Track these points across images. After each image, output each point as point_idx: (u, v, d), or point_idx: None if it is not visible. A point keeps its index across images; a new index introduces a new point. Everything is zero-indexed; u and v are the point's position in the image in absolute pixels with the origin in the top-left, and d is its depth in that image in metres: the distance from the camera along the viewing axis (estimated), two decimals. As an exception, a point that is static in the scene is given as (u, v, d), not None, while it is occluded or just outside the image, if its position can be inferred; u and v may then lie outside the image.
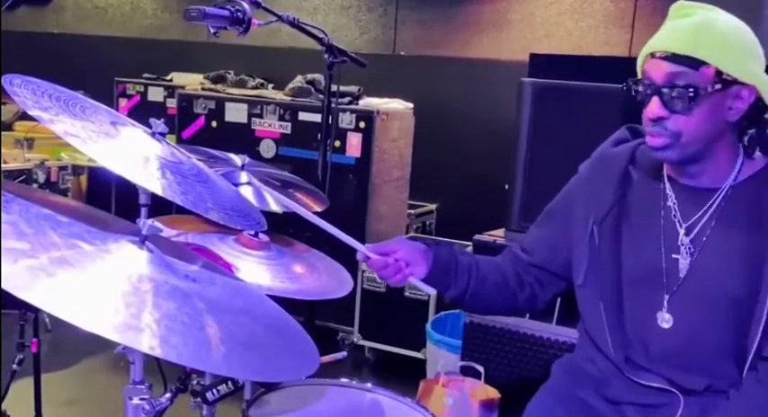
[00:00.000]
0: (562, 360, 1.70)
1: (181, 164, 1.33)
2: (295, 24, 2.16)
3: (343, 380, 1.61)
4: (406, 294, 3.65)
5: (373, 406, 1.53)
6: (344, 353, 1.88)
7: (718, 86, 1.35)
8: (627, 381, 1.49)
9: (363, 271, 3.73)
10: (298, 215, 1.42)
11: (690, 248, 1.45)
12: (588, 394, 1.54)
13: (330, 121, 2.31)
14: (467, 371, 2.58)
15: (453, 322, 3.12)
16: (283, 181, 1.86)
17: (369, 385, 1.61)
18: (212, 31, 2.02)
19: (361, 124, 3.86)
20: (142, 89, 5.25)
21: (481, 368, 2.53)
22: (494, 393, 2.48)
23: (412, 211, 4.44)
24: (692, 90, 1.34)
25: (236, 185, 1.71)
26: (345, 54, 2.23)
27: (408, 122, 4.15)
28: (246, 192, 1.78)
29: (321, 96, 4.18)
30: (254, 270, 1.51)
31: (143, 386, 1.24)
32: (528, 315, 2.54)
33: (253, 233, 1.57)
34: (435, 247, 1.59)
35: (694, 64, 1.35)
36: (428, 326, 3.14)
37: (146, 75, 5.36)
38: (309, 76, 4.21)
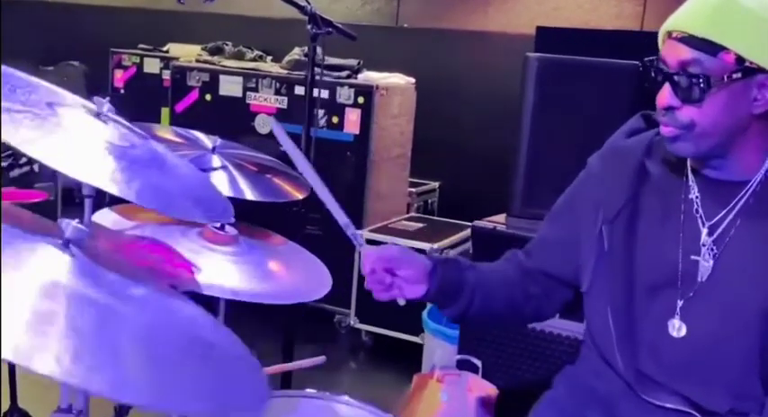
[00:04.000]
0: (566, 373, 1.54)
1: (132, 148, 1.18)
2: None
3: (313, 391, 1.45)
4: (405, 277, 3.51)
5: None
6: (323, 358, 1.73)
7: (737, 75, 1.17)
8: (639, 402, 1.32)
9: (360, 253, 3.57)
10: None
11: (712, 249, 1.28)
12: (596, 416, 1.38)
13: (314, 96, 2.13)
14: (464, 365, 2.44)
15: (451, 310, 2.97)
16: (260, 165, 1.70)
17: (345, 397, 1.45)
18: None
19: (360, 99, 3.70)
20: (138, 60, 5.09)
21: (479, 363, 2.39)
22: (492, 389, 2.34)
23: (413, 189, 4.29)
24: (702, 79, 1.17)
25: (205, 170, 1.56)
26: (331, 25, 2.05)
27: (410, 98, 3.97)
28: (218, 178, 1.63)
29: (319, 70, 4.05)
30: (219, 268, 1.35)
31: (71, 415, 1.09)
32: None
33: (218, 225, 1.41)
34: (439, 266, 1.40)
35: (712, 48, 1.17)
36: (424, 314, 3.00)
37: (141, 45, 5.19)
38: (307, 48, 4.03)
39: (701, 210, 1.29)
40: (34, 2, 6.14)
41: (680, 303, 1.29)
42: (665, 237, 1.31)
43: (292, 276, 1.46)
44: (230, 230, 1.44)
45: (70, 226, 0.90)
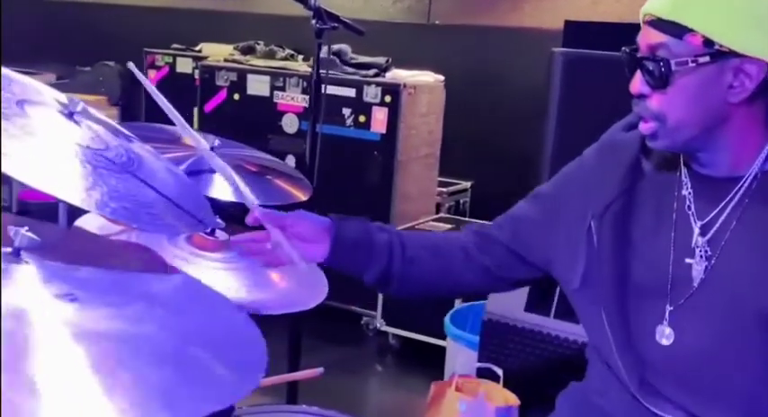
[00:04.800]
0: (569, 392, 1.45)
1: (106, 150, 1.12)
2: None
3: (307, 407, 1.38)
4: (431, 280, 3.43)
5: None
6: (321, 370, 1.66)
7: (704, 59, 1.09)
8: (646, 414, 1.22)
9: (387, 255, 3.52)
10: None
11: (706, 251, 1.17)
12: None
13: (318, 97, 2.06)
14: (484, 373, 2.35)
15: (476, 315, 2.88)
16: (260, 166, 1.63)
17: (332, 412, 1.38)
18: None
19: (387, 98, 3.63)
20: (171, 60, 5.10)
21: (500, 371, 2.29)
22: (513, 398, 2.25)
23: (444, 190, 4.21)
24: (663, 63, 1.10)
25: (198, 172, 1.50)
26: (337, 19, 1.98)
27: (439, 96, 3.89)
28: (219, 181, 1.56)
29: (347, 68, 3.99)
30: (207, 277, 1.29)
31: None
32: (552, 315, 2.30)
33: (208, 230, 1.35)
34: (341, 223, 1.34)
35: (678, 31, 1.10)
36: (446, 319, 2.91)
37: (174, 45, 5.19)
38: (335, 47, 3.98)
39: (693, 208, 1.20)
40: (70, 2, 6.20)
41: (669, 309, 1.20)
42: (657, 237, 1.22)
43: (285, 283, 1.39)
44: (221, 235, 1.38)
45: (19, 234, 0.85)
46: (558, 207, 1.35)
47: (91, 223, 1.32)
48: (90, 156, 1.06)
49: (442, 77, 3.94)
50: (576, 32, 2.64)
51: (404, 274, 1.37)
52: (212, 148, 1.61)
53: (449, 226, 3.70)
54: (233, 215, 1.56)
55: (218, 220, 1.40)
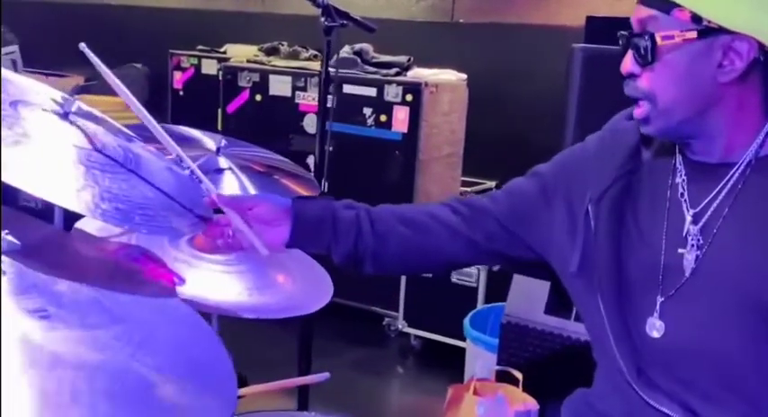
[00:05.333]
0: (573, 398, 1.40)
1: (103, 150, 1.10)
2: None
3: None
4: (453, 280, 3.41)
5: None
6: (327, 375, 1.62)
7: (692, 34, 1.06)
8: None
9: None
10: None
11: (698, 240, 1.13)
12: None
13: (328, 97, 2.04)
14: (503, 377, 2.30)
15: (496, 317, 2.83)
16: (266, 166, 1.61)
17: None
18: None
19: (408, 97, 3.59)
20: (196, 62, 5.11)
21: (519, 375, 2.25)
22: (532, 402, 2.20)
23: (468, 189, 4.15)
24: (649, 37, 1.08)
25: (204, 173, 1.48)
26: (347, 16, 1.95)
27: (461, 94, 3.84)
28: (228, 182, 1.55)
29: (368, 67, 3.96)
30: (208, 279, 1.27)
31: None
32: (572, 317, 2.24)
33: (210, 232, 1.33)
34: (302, 202, 1.30)
35: (665, 6, 1.08)
36: (466, 321, 2.87)
37: (200, 47, 5.21)
38: (357, 46, 3.95)
39: (686, 195, 1.16)
40: (98, 5, 6.26)
41: (660, 300, 1.16)
42: (651, 226, 1.19)
43: (289, 286, 1.36)
44: (223, 237, 1.35)
45: (-1, 237, 0.83)
46: (555, 187, 1.31)
47: (93, 224, 1.31)
48: (83, 157, 1.05)
49: (464, 75, 3.89)
50: (598, 28, 2.58)
51: (377, 251, 1.31)
52: (218, 149, 1.60)
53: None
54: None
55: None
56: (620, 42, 1.16)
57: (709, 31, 1.07)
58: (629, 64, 1.14)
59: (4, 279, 0.82)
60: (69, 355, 0.77)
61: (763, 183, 1.11)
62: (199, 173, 1.24)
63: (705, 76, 1.09)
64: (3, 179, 0.87)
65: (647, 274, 1.17)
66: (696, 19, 1.06)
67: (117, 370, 0.80)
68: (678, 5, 1.07)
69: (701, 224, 1.14)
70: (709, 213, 1.14)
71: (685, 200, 1.16)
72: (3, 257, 0.84)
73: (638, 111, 1.15)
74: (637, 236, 1.20)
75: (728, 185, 1.13)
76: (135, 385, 0.80)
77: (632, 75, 1.14)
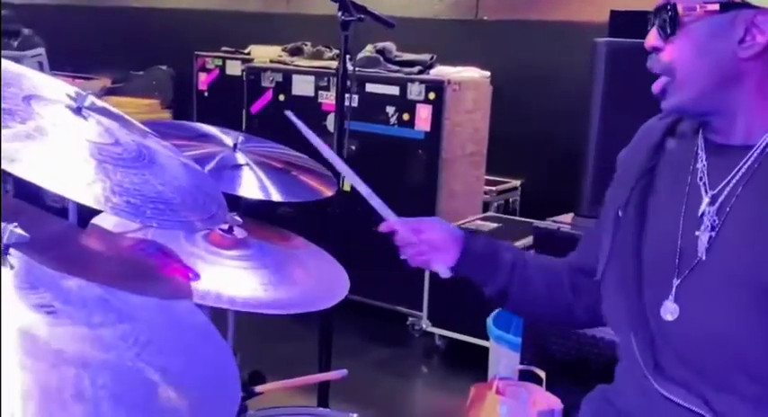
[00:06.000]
0: (593, 394, 1.38)
1: (114, 145, 1.10)
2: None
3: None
4: (477, 280, 3.37)
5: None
6: (344, 371, 1.61)
7: (713, 7, 1.07)
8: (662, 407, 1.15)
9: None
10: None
11: (714, 220, 1.13)
12: None
13: (346, 93, 2.02)
14: (526, 376, 2.27)
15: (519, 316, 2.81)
16: (285, 162, 1.60)
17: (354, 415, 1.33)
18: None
19: (431, 95, 3.57)
20: (221, 63, 5.13)
21: (542, 374, 2.22)
22: (555, 402, 2.17)
23: (493, 188, 4.13)
24: (671, 9, 1.09)
25: (221, 169, 1.47)
26: (365, 10, 1.93)
27: (485, 92, 3.81)
28: (246, 178, 1.54)
29: (391, 66, 3.95)
30: (223, 275, 1.26)
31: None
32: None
33: (226, 227, 1.32)
34: (470, 236, 1.41)
35: None
36: (489, 320, 2.84)
37: (224, 48, 5.23)
38: (380, 45, 3.94)
39: (705, 178, 1.16)
40: (122, 7, 6.32)
41: (675, 282, 1.15)
42: (670, 210, 1.18)
43: (304, 282, 1.35)
44: (239, 232, 1.35)
45: (8, 230, 0.83)
46: (605, 211, 1.33)
47: (110, 219, 1.31)
48: (95, 151, 1.04)
49: (487, 73, 3.86)
50: (622, 22, 2.54)
51: (519, 294, 1.41)
52: (235, 145, 1.59)
53: (495, 224, 3.63)
54: (254, 212, 1.53)
55: (236, 217, 1.38)
56: (649, 21, 1.17)
57: (731, 5, 1.07)
58: (652, 38, 1.15)
59: (5, 271, 0.81)
60: (74, 352, 0.77)
61: None
62: (379, 202, 1.37)
63: (726, 50, 1.09)
64: (17, 173, 0.86)
65: (664, 258, 1.17)
66: None
67: (121, 370, 0.80)
68: None
69: (716, 205, 1.13)
70: (725, 194, 1.13)
71: (704, 183, 1.16)
72: (11, 250, 0.84)
73: (656, 85, 1.16)
74: (656, 224, 1.21)
75: (745, 166, 1.12)
76: (139, 386, 0.80)
77: (655, 49, 1.15)
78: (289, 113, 1.38)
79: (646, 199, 1.22)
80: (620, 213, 1.24)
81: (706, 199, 1.14)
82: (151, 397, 0.78)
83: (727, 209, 1.12)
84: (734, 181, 1.12)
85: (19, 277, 0.84)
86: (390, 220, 1.37)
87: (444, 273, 1.38)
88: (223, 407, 0.84)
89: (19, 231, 0.83)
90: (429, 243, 1.37)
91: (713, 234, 1.12)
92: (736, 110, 1.12)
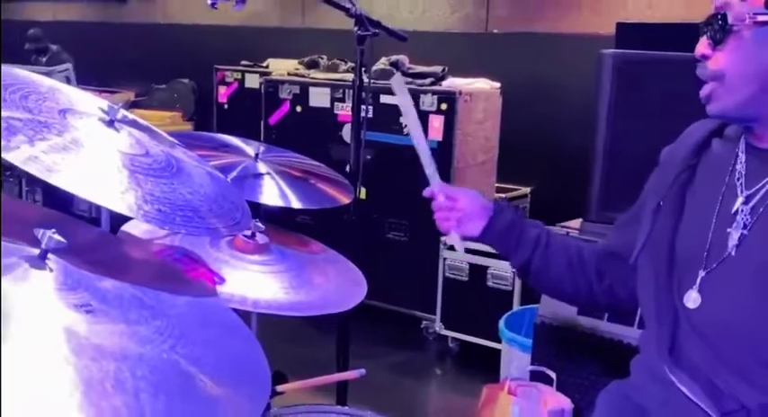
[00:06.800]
0: (609, 390, 1.44)
1: (145, 156, 1.19)
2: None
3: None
4: (489, 283, 3.47)
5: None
6: (362, 371, 1.69)
7: (763, 17, 1.13)
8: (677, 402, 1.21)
9: (445, 259, 3.56)
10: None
11: (747, 219, 1.19)
12: None
13: (362, 104, 2.11)
14: (537, 377, 2.34)
15: (531, 318, 2.87)
16: (303, 171, 1.69)
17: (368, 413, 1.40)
18: (209, 1, 1.89)
19: (443, 106, 3.66)
20: (240, 76, 5.25)
21: (553, 374, 2.28)
22: (566, 402, 2.23)
23: (503, 195, 4.20)
24: (722, 19, 1.15)
25: (243, 178, 1.56)
26: (379, 25, 2.02)
27: (495, 103, 3.89)
28: (267, 187, 1.63)
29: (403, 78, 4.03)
30: (246, 279, 1.34)
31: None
32: (606, 317, 2.27)
33: (249, 233, 1.41)
34: (499, 210, 1.51)
35: None
36: (501, 323, 2.91)
37: (243, 62, 5.35)
38: (394, 58, 4.04)
39: (743, 179, 1.22)
40: (149, 23, 6.46)
41: (702, 274, 1.21)
42: (705, 206, 1.25)
43: (325, 285, 1.43)
44: (261, 238, 1.43)
45: (47, 236, 0.90)
46: (641, 202, 1.40)
47: (139, 226, 1.39)
48: (127, 161, 1.13)
49: (498, 84, 3.94)
50: (629, 34, 2.61)
51: (542, 267, 1.49)
52: (257, 155, 1.68)
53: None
54: (274, 219, 1.62)
55: (258, 224, 1.46)
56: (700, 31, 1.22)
57: None
58: (701, 46, 1.20)
59: (46, 275, 0.88)
60: (112, 347, 0.84)
61: None
62: (433, 169, 1.58)
63: None
64: (56, 183, 0.95)
65: (694, 251, 1.23)
66: None
67: (158, 362, 0.86)
68: None
69: (751, 204, 1.19)
70: (760, 195, 1.19)
71: (741, 184, 1.22)
72: (50, 255, 0.91)
73: (703, 91, 1.21)
74: (691, 218, 1.27)
75: None
76: (176, 376, 0.86)
77: (704, 57, 1.20)
78: (395, 80, 1.58)
79: (684, 194, 1.29)
80: (661, 203, 1.30)
81: (741, 199, 1.20)
82: (188, 386, 0.86)
83: (761, 210, 1.18)
84: None
85: (58, 279, 0.91)
86: (434, 185, 1.52)
87: (459, 247, 1.50)
88: (256, 396, 0.91)
89: (57, 237, 0.91)
90: (461, 211, 1.49)
91: (745, 231, 1.18)
92: None
